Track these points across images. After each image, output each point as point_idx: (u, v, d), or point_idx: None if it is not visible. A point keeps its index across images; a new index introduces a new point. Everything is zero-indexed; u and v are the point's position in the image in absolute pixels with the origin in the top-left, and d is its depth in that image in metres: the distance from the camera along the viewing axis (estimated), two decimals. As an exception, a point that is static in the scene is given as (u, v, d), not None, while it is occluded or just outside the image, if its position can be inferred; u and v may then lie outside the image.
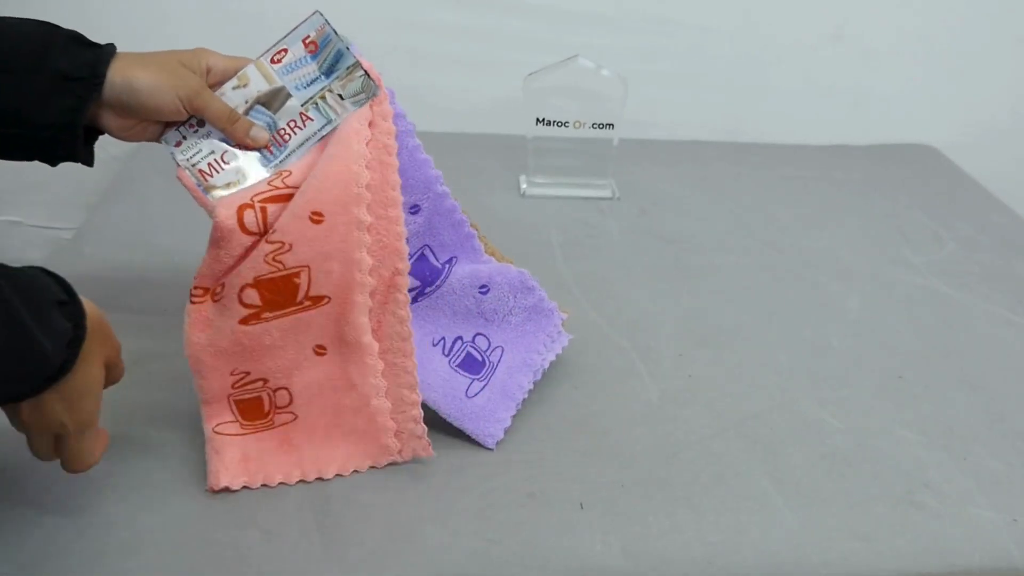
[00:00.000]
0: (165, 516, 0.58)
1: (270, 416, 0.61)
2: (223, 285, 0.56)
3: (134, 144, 1.15)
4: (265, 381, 0.60)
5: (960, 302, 0.91)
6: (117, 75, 0.56)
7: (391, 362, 0.61)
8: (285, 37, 0.61)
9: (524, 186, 1.08)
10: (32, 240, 1.24)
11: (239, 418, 0.61)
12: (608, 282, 0.89)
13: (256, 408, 0.61)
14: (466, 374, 0.67)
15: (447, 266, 0.68)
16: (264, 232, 0.56)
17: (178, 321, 0.77)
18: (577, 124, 1.02)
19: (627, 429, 0.69)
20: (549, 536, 0.59)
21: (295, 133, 0.59)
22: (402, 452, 0.63)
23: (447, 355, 0.67)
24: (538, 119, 1.02)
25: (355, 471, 0.63)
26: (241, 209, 0.55)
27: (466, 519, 0.60)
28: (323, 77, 0.60)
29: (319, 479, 0.62)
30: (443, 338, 0.68)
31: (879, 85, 1.27)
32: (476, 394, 0.66)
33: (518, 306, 0.70)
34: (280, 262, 0.55)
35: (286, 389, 0.61)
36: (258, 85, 0.60)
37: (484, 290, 0.68)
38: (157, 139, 0.61)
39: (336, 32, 0.60)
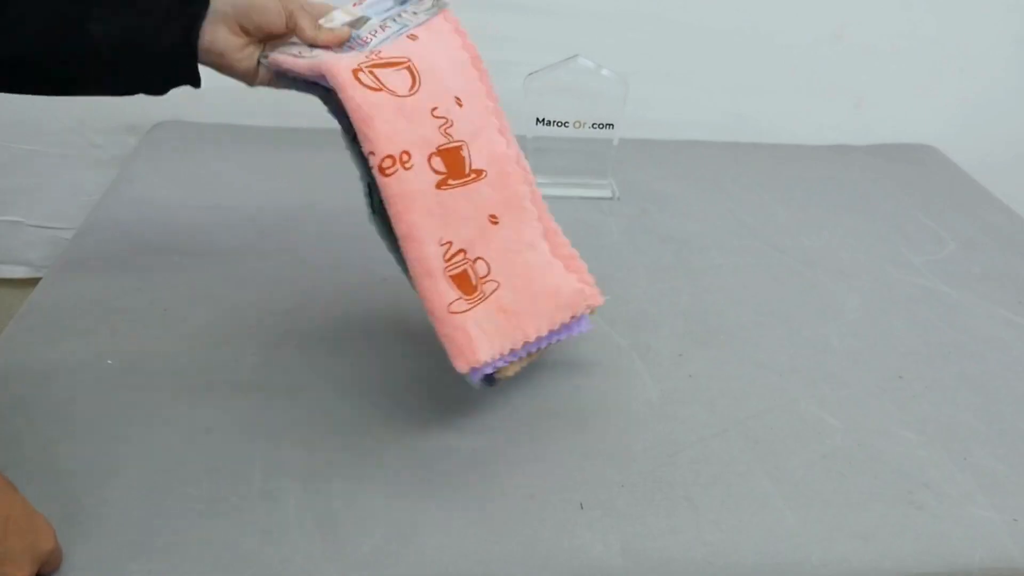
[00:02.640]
0: (165, 517, 0.58)
1: (478, 288, 0.63)
2: (408, 153, 0.59)
3: (134, 144, 1.16)
4: (464, 252, 0.62)
5: (960, 302, 0.91)
6: None
7: (547, 226, 0.68)
8: None
9: (524, 186, 1.08)
10: (32, 240, 1.24)
11: (462, 294, 0.62)
12: (608, 282, 0.89)
13: (466, 282, 0.62)
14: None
15: None
16: (383, 88, 0.60)
17: (178, 321, 0.77)
18: (577, 124, 1.02)
19: (627, 429, 0.69)
20: (549, 536, 0.59)
21: (373, 38, 0.64)
22: (588, 299, 0.67)
23: None
24: (538, 119, 1.02)
25: (551, 331, 0.66)
26: (356, 72, 0.59)
27: (466, 519, 0.60)
28: (398, 6, 0.68)
29: (531, 343, 0.65)
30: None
31: (879, 85, 1.27)
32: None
33: None
34: (450, 135, 0.62)
35: (482, 259, 0.63)
36: (340, 20, 0.67)
37: None
38: (254, 73, 0.66)
39: None
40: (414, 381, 0.72)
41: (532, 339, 0.64)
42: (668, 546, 0.59)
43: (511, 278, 0.64)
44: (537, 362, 0.75)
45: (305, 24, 0.64)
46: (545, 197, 1.07)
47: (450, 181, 0.62)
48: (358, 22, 0.67)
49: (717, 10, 1.18)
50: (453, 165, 0.62)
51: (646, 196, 1.09)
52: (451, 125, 0.62)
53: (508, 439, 0.67)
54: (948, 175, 1.23)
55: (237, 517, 0.59)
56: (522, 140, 1.04)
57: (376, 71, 0.60)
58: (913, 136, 1.32)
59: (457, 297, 0.61)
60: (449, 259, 0.62)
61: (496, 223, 0.64)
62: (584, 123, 1.02)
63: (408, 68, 0.62)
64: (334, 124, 1.32)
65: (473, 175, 0.63)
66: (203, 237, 0.91)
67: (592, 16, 1.16)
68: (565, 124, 1.02)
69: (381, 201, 0.60)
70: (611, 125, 1.03)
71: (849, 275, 0.94)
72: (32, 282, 1.21)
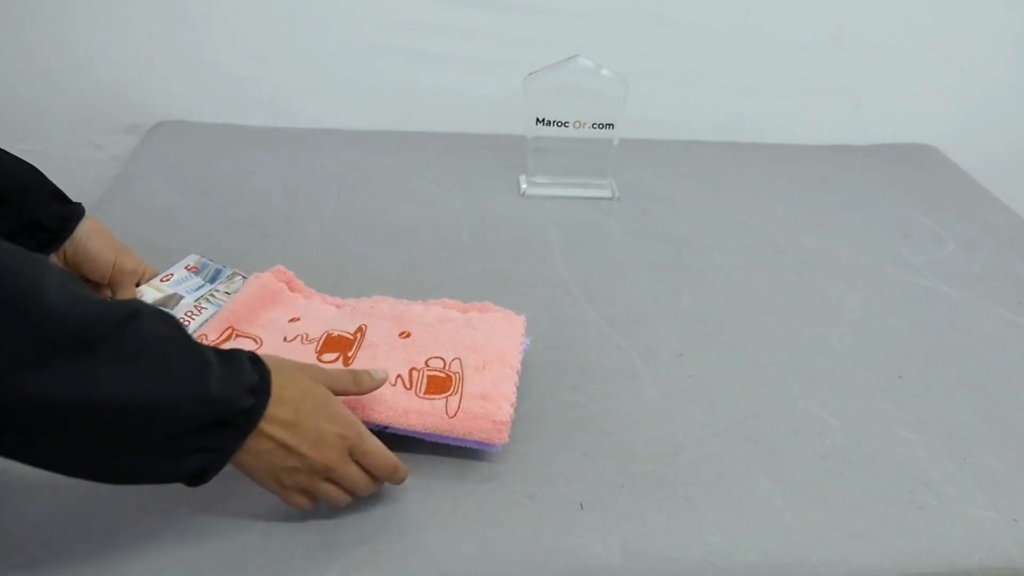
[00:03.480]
0: (165, 516, 0.58)
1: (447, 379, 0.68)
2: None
3: (134, 144, 1.16)
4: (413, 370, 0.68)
5: (960, 302, 0.91)
6: (79, 233, 0.66)
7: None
8: (170, 268, 0.77)
9: (524, 186, 1.08)
10: (32, 240, 1.24)
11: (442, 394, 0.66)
12: (608, 282, 0.89)
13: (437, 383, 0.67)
14: (438, 396, 0.64)
15: None
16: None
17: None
18: (577, 124, 1.02)
19: (627, 429, 0.69)
20: (549, 536, 0.59)
21: (193, 320, 0.72)
22: None
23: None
24: (538, 119, 1.02)
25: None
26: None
27: (466, 519, 0.60)
28: (208, 284, 0.77)
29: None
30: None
31: (879, 85, 1.27)
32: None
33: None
34: (309, 339, 0.71)
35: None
36: (152, 296, 0.74)
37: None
38: None
39: (212, 260, 0.78)
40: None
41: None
42: (668, 546, 0.59)
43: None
44: (536, 362, 0.75)
45: (126, 295, 0.70)
46: (545, 197, 1.08)
47: (348, 353, 0.68)
48: (170, 300, 0.74)
49: (717, 10, 1.18)
50: (335, 345, 0.69)
51: (646, 196, 1.09)
52: (305, 333, 0.70)
53: (508, 439, 0.67)
54: (948, 175, 1.23)
55: (237, 517, 0.58)
56: (522, 140, 1.05)
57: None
58: (913, 136, 1.32)
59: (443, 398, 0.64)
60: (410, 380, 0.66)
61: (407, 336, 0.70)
62: (584, 123, 1.02)
63: (231, 331, 0.69)
64: (333, 124, 1.32)
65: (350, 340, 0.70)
66: (203, 237, 0.91)
67: (592, 16, 1.16)
68: (565, 124, 1.02)
69: None
70: (611, 125, 1.03)
71: (849, 275, 0.94)
72: (32, 282, 1.21)
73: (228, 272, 0.79)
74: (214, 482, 0.61)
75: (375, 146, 1.17)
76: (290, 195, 1.02)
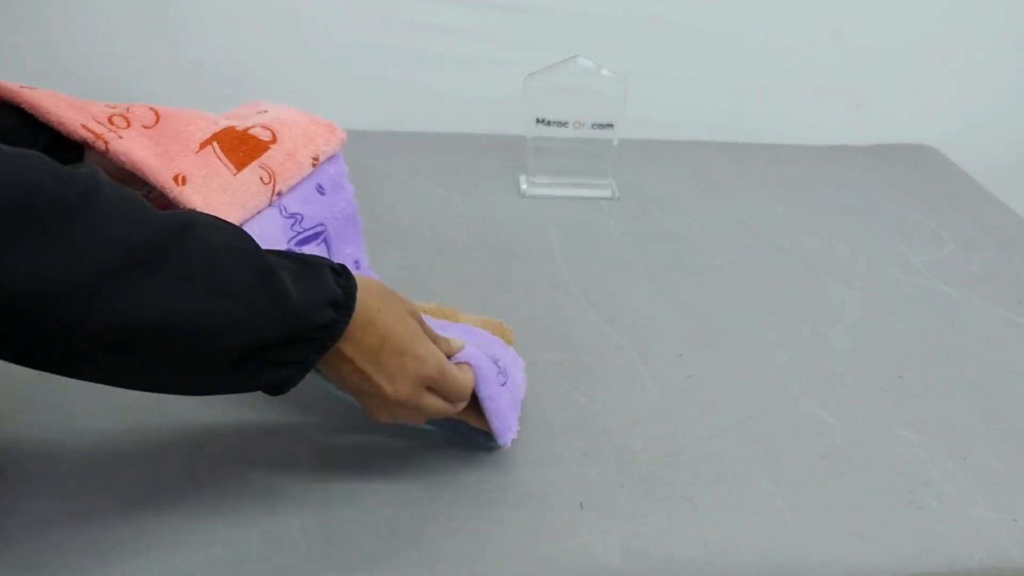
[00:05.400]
0: (165, 516, 0.58)
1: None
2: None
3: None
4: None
5: (960, 302, 0.91)
6: None
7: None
8: None
9: (524, 186, 1.08)
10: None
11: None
12: (608, 282, 0.89)
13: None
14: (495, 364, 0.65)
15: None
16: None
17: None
18: (577, 124, 1.02)
19: (627, 429, 0.69)
20: (549, 536, 0.59)
21: None
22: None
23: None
24: (538, 119, 1.02)
25: None
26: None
27: (466, 519, 0.60)
28: None
29: None
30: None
31: (879, 85, 1.27)
32: (503, 384, 0.64)
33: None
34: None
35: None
36: None
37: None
38: None
39: None
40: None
41: None
42: (668, 546, 0.59)
43: None
44: (536, 362, 0.75)
45: None
46: (545, 197, 1.08)
47: None
48: None
49: (717, 10, 1.18)
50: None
51: (646, 196, 1.09)
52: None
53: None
54: (948, 175, 1.23)
55: (237, 517, 0.58)
56: (522, 140, 1.05)
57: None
58: (913, 136, 1.32)
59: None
60: None
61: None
62: (584, 123, 1.02)
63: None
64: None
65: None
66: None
67: (592, 16, 1.16)
68: (565, 124, 1.02)
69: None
70: (611, 125, 1.03)
71: (849, 275, 0.94)
72: (32, 282, 1.21)
73: None
74: (214, 481, 0.61)
75: (375, 146, 1.17)
76: (290, 195, 1.02)
